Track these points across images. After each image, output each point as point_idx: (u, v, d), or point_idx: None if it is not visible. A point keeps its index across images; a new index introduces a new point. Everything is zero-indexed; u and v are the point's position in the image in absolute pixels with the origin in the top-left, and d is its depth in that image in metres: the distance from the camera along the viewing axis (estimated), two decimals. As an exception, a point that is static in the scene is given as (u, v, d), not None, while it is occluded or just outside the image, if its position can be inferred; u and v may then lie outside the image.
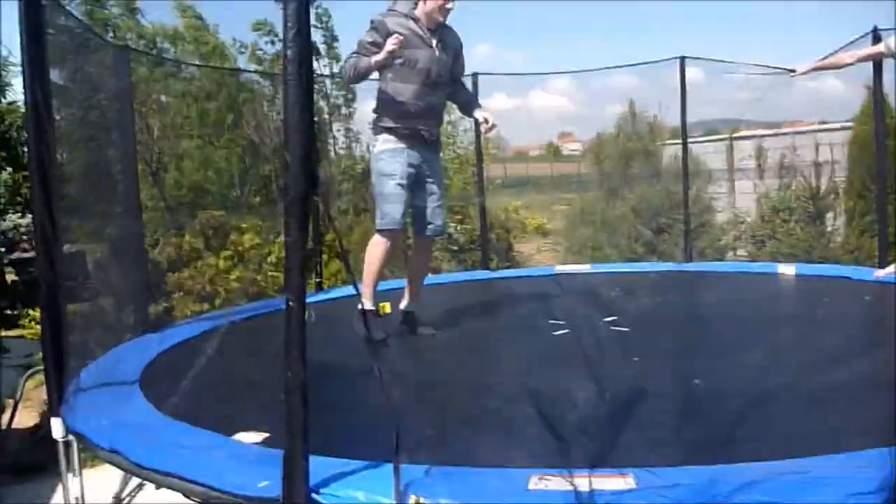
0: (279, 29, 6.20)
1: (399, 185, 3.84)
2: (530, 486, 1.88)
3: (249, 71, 8.86)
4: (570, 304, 4.71)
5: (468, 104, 4.24)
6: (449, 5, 3.85)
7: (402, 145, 3.88)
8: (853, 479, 1.77)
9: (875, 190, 5.94)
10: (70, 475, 2.99)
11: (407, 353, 3.91)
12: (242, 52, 10.19)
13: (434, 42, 3.88)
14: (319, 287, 5.99)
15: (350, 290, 6.16)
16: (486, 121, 4.10)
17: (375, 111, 4.03)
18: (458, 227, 8.48)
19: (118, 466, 2.41)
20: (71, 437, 2.90)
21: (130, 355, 3.81)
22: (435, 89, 3.92)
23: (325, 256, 6.84)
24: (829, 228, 7.48)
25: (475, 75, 6.26)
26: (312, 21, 10.82)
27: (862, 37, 5.12)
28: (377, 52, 3.75)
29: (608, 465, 1.97)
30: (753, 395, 2.66)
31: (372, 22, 3.85)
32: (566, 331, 3.92)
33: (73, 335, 3.58)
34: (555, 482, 1.89)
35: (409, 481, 1.88)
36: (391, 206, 3.82)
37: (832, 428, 2.32)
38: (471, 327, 4.39)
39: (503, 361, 3.67)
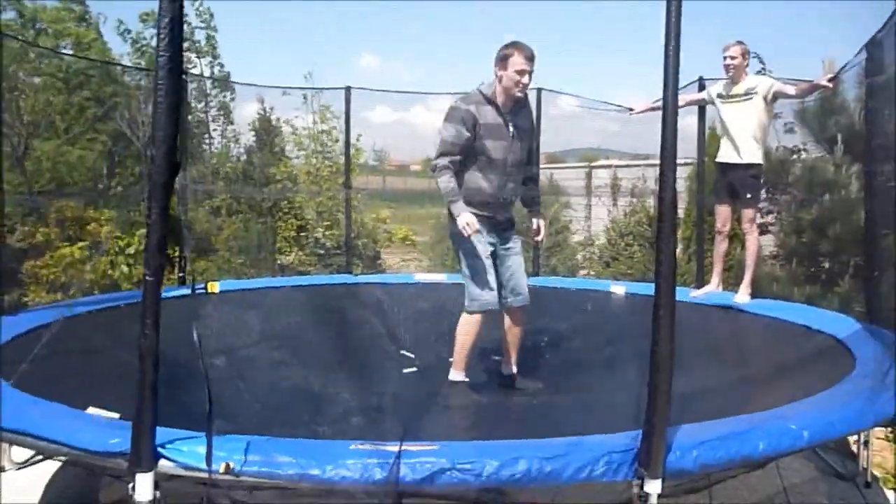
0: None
1: (485, 263, 3.86)
2: (351, 448, 2.22)
3: (131, 68, 8.80)
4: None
5: (532, 201, 4.25)
6: (525, 79, 3.80)
7: (483, 227, 3.85)
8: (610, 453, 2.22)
9: (694, 218, 6.68)
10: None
11: (252, 344, 4.20)
12: (126, 38, 10.07)
13: (511, 129, 3.86)
14: (182, 282, 6.09)
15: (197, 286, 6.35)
16: (539, 231, 4.16)
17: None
18: (326, 233, 8.77)
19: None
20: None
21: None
22: (511, 176, 3.94)
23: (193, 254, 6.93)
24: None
25: (348, 88, 6.59)
26: (195, 21, 10.86)
27: (690, 84, 5.83)
28: (464, 146, 3.75)
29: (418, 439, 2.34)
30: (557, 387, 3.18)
31: (455, 110, 3.79)
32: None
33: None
34: (369, 447, 2.23)
35: (232, 448, 2.19)
36: (481, 288, 3.83)
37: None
38: (320, 324, 4.76)
39: (335, 352, 4.00)
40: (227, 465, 2.19)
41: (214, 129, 10.77)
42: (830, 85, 4.77)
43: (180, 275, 6.18)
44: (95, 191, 8.50)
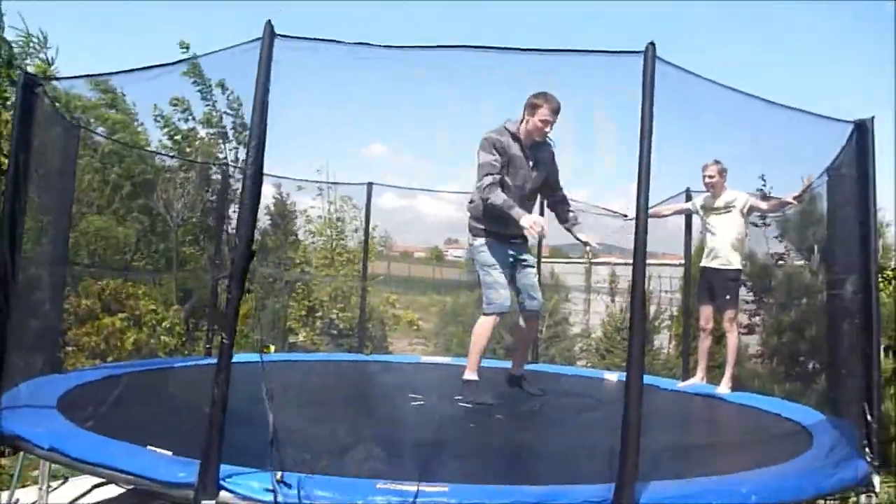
0: (194, 107, 6.92)
1: (501, 272, 4.38)
2: (377, 487, 2.71)
3: (169, 156, 9.51)
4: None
5: (570, 219, 4.74)
6: (548, 129, 4.36)
7: (499, 241, 4.43)
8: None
9: (681, 319, 7.21)
10: None
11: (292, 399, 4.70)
12: (158, 122, 10.76)
13: (530, 162, 4.43)
14: (208, 353, 6.59)
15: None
16: (588, 244, 4.66)
17: (473, 215, 4.56)
18: (339, 315, 9.32)
19: (54, 462, 3.04)
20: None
21: (45, 387, 4.34)
22: (527, 201, 4.50)
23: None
24: (654, 347, 8.78)
25: (370, 185, 7.30)
26: (225, 108, 11.60)
27: (678, 194, 6.47)
28: (500, 167, 4.31)
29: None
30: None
31: (489, 139, 4.34)
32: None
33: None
34: (392, 486, 2.72)
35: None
36: (496, 292, 4.33)
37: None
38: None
39: (365, 412, 4.49)
40: (276, 499, 2.66)
41: (233, 212, 11.40)
42: (796, 203, 5.43)
43: (207, 346, 6.71)
44: (124, 265, 9.09)
